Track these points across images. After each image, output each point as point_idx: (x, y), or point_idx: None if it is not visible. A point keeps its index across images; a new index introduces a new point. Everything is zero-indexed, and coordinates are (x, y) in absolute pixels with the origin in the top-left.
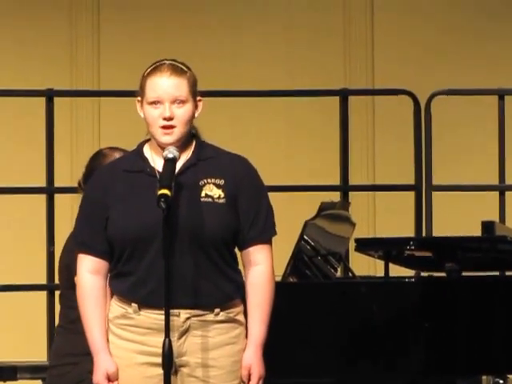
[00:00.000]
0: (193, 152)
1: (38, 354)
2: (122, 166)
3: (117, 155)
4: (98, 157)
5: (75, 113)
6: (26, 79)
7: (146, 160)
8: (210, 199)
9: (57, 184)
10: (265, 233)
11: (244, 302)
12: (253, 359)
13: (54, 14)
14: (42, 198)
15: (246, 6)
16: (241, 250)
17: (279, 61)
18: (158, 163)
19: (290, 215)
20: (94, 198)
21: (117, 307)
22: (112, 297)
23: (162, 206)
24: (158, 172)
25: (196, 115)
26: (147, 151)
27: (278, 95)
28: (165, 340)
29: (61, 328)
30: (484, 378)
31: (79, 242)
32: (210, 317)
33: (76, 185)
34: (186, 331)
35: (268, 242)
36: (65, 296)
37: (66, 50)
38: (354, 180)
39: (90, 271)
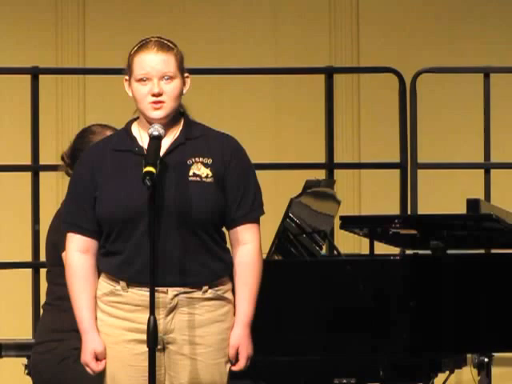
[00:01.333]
0: (181, 131)
1: (23, 331)
2: (111, 145)
3: (108, 133)
4: (85, 134)
5: (60, 91)
6: (11, 57)
7: (134, 139)
8: (197, 178)
9: (42, 162)
10: (253, 212)
11: (232, 280)
12: (241, 338)
13: None
14: (27, 176)
15: None
16: (229, 229)
17: (265, 39)
18: (146, 142)
19: (276, 193)
20: (82, 177)
21: (105, 284)
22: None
23: (148, 183)
24: (146, 151)
25: (184, 92)
26: (135, 130)
27: (263, 73)
28: (149, 318)
29: (47, 305)
30: (469, 356)
31: (68, 222)
32: (198, 294)
33: (60, 161)
34: (173, 308)
35: (256, 221)
36: (51, 273)
37: (51, 28)
38: (339, 158)
39: (79, 250)
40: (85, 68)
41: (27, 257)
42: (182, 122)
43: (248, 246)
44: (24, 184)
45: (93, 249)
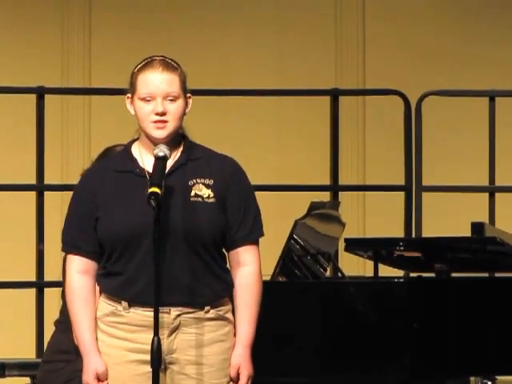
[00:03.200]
0: (182, 152)
1: (27, 351)
2: (112, 166)
3: None
4: (108, 153)
5: (66, 110)
6: (17, 77)
7: (135, 160)
8: (199, 199)
9: (47, 181)
10: (253, 233)
11: (232, 300)
12: (242, 358)
13: (45, 11)
14: (32, 195)
15: (237, 5)
16: (229, 250)
17: (270, 60)
18: (147, 163)
19: (280, 215)
20: (83, 198)
21: (105, 305)
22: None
23: (153, 204)
24: (148, 172)
25: (186, 112)
26: (136, 151)
27: (268, 94)
28: (153, 338)
29: (59, 323)
30: (472, 379)
31: (68, 243)
32: (201, 314)
33: (67, 182)
34: (176, 328)
35: (256, 242)
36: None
37: (57, 48)
38: (344, 180)
39: (79, 271)
40: (90, 88)
41: (31, 276)
42: (183, 143)
43: (248, 268)
44: (29, 203)
45: (92, 270)
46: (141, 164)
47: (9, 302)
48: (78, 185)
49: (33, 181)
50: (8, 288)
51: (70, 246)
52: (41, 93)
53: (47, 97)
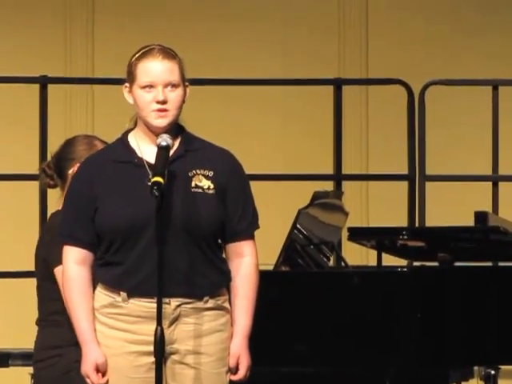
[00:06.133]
0: (180, 143)
1: (30, 341)
2: (110, 157)
3: (95, 142)
4: (73, 143)
5: (69, 100)
6: (20, 66)
7: (132, 151)
8: (200, 190)
9: None
10: (251, 226)
11: (229, 290)
12: (241, 349)
13: (48, 1)
14: (35, 185)
15: None
16: (227, 242)
17: (274, 50)
18: (144, 153)
19: (283, 204)
20: (81, 189)
21: (103, 296)
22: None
23: (156, 193)
24: (147, 162)
25: (184, 100)
26: (133, 141)
27: (271, 84)
28: (157, 328)
29: (42, 321)
30: (476, 368)
31: (66, 234)
32: (200, 304)
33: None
34: (176, 319)
35: (253, 235)
36: (43, 288)
37: (60, 38)
38: (347, 169)
39: (76, 262)
40: (93, 78)
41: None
42: (180, 135)
43: (247, 259)
44: (32, 193)
45: (89, 261)
46: (139, 154)
47: (12, 292)
48: (75, 175)
49: (36, 171)
50: (11, 278)
51: (68, 237)
52: (44, 82)
53: (50, 86)
